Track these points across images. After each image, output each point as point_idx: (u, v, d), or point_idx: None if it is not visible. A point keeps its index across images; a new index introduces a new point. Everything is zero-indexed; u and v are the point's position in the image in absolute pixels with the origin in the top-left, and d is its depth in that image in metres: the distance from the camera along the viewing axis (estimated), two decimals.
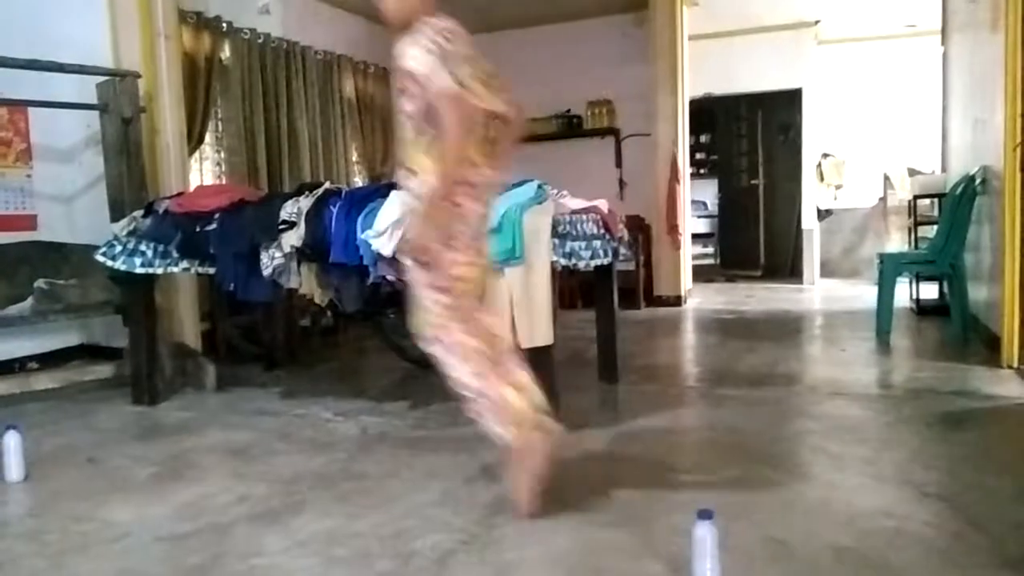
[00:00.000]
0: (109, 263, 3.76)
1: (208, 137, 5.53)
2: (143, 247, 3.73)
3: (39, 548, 2.23)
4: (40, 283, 4.15)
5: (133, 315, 4.00)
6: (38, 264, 4.26)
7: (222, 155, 5.69)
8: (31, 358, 4.34)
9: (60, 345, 4.47)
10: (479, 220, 2.35)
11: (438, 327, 2.30)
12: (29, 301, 4.14)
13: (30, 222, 4.42)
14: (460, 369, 2.30)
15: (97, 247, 3.84)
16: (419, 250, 2.26)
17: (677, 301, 7.16)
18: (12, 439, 2.78)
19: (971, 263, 4.95)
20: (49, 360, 4.37)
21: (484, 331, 2.32)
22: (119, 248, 3.75)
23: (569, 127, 7.78)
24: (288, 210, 3.50)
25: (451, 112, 2.15)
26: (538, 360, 3.13)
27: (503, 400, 2.27)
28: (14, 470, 2.78)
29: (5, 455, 2.78)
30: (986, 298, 4.67)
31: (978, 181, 4.69)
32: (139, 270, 3.72)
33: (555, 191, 3.44)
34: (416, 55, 2.21)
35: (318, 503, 2.50)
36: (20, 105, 4.29)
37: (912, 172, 7.67)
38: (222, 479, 2.79)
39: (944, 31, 6.52)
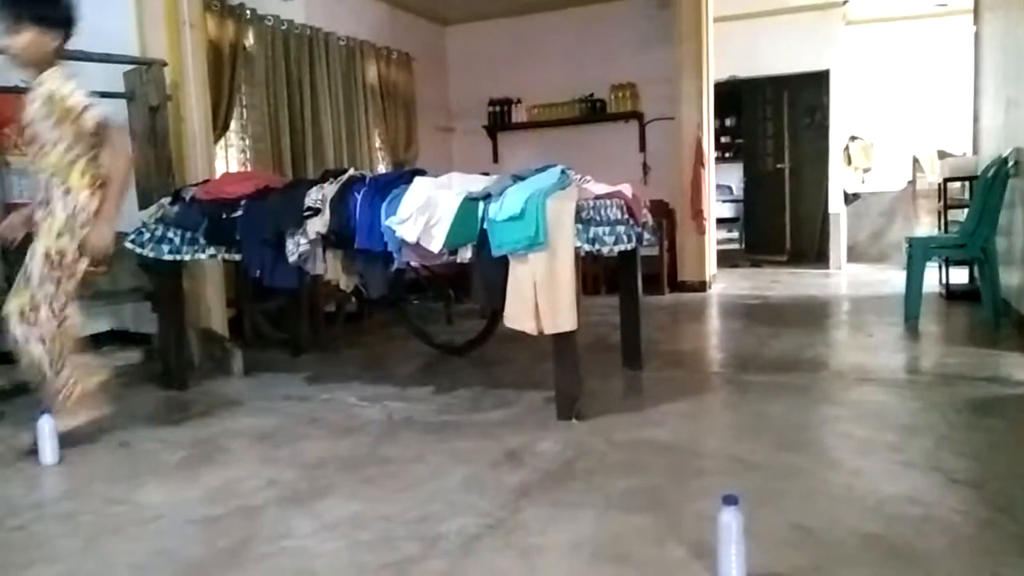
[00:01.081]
0: (138, 250, 3.80)
1: (233, 124, 5.57)
2: (171, 234, 3.77)
3: (74, 529, 2.28)
4: None
5: (161, 301, 4.06)
6: None
7: (247, 142, 5.73)
8: None
9: (90, 331, 4.51)
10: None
11: (33, 310, 2.85)
12: None
13: None
14: (40, 346, 2.87)
15: (126, 234, 3.88)
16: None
17: (702, 286, 7.12)
18: (46, 423, 2.84)
19: (1003, 247, 4.87)
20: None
21: (71, 320, 2.96)
22: (147, 235, 3.79)
23: (592, 111, 7.73)
24: (313, 196, 3.52)
25: (120, 137, 2.87)
26: (562, 346, 3.15)
27: (75, 371, 2.94)
28: (48, 454, 2.84)
29: (40, 439, 2.83)
30: (1018, 283, 4.60)
31: (1011, 163, 4.60)
32: (167, 257, 3.77)
33: (578, 176, 3.42)
34: (66, 90, 2.80)
35: (344, 487, 2.53)
36: None
37: (942, 154, 7.53)
38: (250, 463, 2.83)
39: (976, 10, 6.38)
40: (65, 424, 2.89)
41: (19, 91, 4.16)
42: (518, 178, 3.30)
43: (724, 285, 7.50)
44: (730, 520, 1.75)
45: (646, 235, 3.60)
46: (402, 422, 3.27)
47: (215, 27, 5.27)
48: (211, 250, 3.78)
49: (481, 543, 2.06)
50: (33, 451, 2.84)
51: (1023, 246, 4.40)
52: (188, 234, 3.76)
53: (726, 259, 8.86)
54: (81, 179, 2.90)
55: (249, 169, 5.63)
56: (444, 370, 4.27)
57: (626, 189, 3.45)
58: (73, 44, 3.98)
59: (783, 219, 9.44)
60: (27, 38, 2.81)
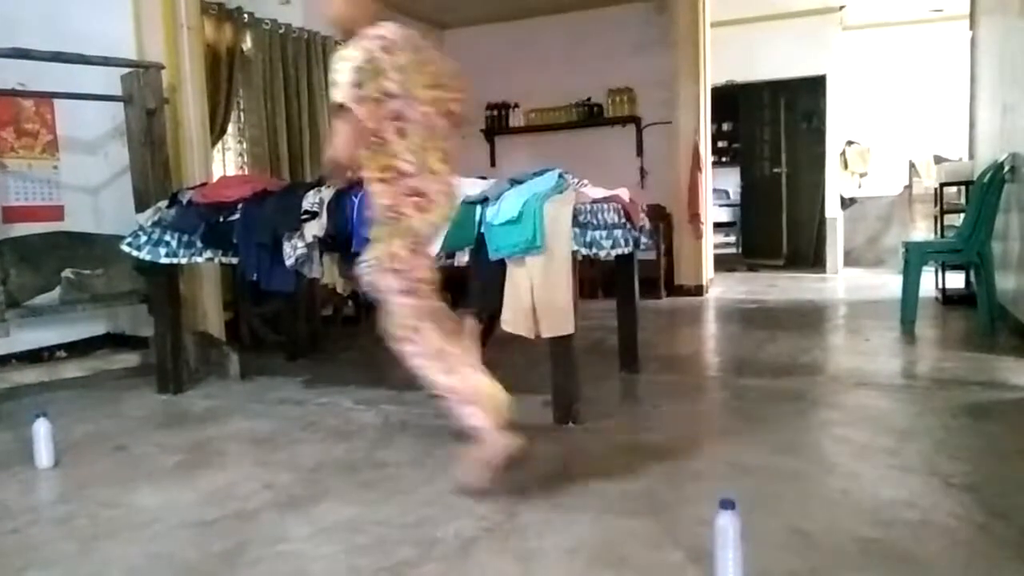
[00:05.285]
0: (134, 253, 3.80)
1: (230, 128, 5.57)
2: (167, 237, 3.76)
3: (70, 532, 2.27)
4: (67, 273, 4.21)
5: (158, 304, 4.05)
6: (65, 254, 4.31)
7: (244, 146, 5.72)
8: (59, 347, 4.41)
9: (87, 334, 4.53)
10: (429, 229, 2.45)
11: (408, 328, 2.40)
12: (57, 291, 4.20)
13: (57, 213, 4.48)
14: (432, 367, 2.41)
15: (123, 237, 3.88)
16: (388, 257, 2.38)
17: (698, 291, 7.13)
18: (42, 426, 2.83)
19: (999, 252, 4.88)
20: (76, 349, 4.44)
21: (448, 329, 2.44)
22: (144, 238, 3.79)
23: (590, 115, 7.74)
24: (310, 200, 3.52)
25: (342, 127, 2.28)
26: (559, 350, 3.15)
27: (476, 390, 2.37)
28: (44, 457, 2.83)
29: (35, 442, 2.83)
30: (1014, 287, 4.61)
31: (1007, 168, 4.61)
32: (164, 260, 3.76)
33: (576, 180, 3.42)
34: (339, 70, 2.30)
35: (341, 491, 2.52)
36: (46, 97, 4.35)
37: (938, 159, 7.56)
38: (246, 467, 2.83)
39: (972, 15, 6.40)
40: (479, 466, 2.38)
41: (13, 93, 4.19)
42: (516, 182, 3.30)
43: (721, 289, 7.51)
44: (727, 524, 1.75)
45: (643, 239, 3.60)
46: (398, 426, 3.26)
47: (212, 30, 5.26)
48: (208, 253, 3.77)
49: (478, 547, 2.06)
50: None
51: (1019, 251, 4.41)
52: (185, 237, 3.76)
53: (723, 263, 8.87)
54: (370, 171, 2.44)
55: (246, 172, 5.62)
56: None
57: (623, 193, 3.46)
58: (70, 47, 4.01)
59: (780, 223, 9.46)
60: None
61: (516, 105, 8.02)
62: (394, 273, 2.38)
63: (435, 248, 2.50)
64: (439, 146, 2.45)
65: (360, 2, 2.41)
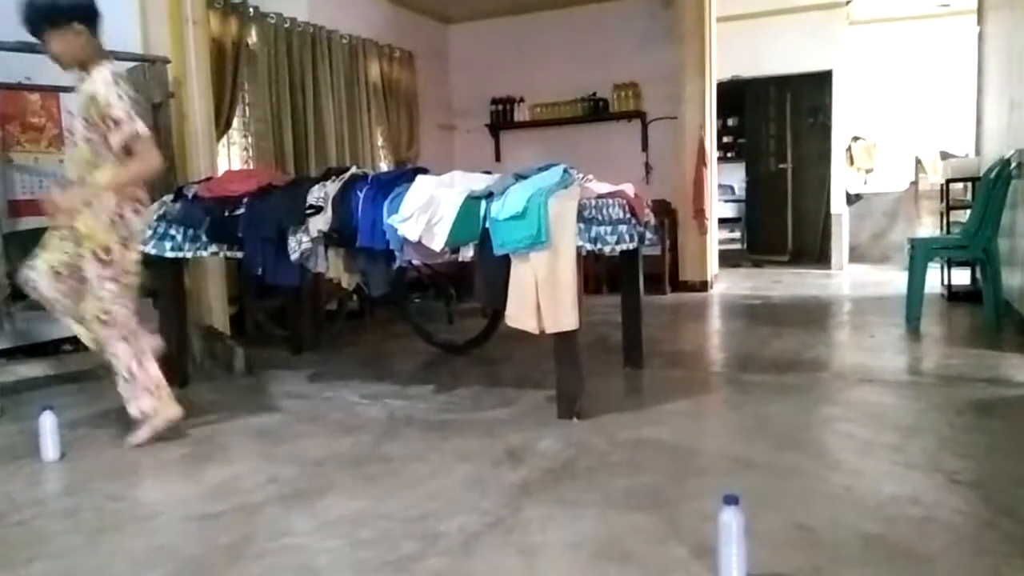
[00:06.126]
0: (139, 247, 3.80)
1: (236, 122, 5.57)
2: (173, 231, 3.77)
3: (75, 525, 2.28)
4: None
5: (163, 298, 4.05)
6: None
7: (250, 140, 5.73)
8: (65, 340, 4.41)
9: None
10: (141, 228, 3.07)
11: (109, 312, 2.90)
12: None
13: None
14: (126, 351, 2.95)
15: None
16: (104, 249, 2.87)
17: (703, 286, 7.12)
18: (48, 419, 2.84)
19: (1005, 248, 4.86)
20: (82, 342, 4.44)
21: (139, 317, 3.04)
22: (149, 232, 3.78)
23: (595, 110, 7.73)
24: (315, 195, 3.52)
25: (150, 151, 2.85)
26: (563, 345, 3.15)
27: (157, 382, 3.00)
28: (50, 450, 2.84)
29: (41, 435, 2.84)
30: (1020, 284, 4.59)
31: (1013, 164, 4.59)
32: (169, 254, 3.77)
33: (581, 175, 3.42)
34: (111, 98, 2.78)
35: (345, 485, 2.53)
36: (52, 91, 4.35)
37: (945, 155, 7.52)
38: (251, 460, 2.83)
39: (980, 10, 6.38)
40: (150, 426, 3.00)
41: (22, 88, 4.19)
42: (520, 177, 3.30)
43: (726, 285, 7.50)
44: (731, 519, 1.75)
45: (648, 235, 3.60)
46: (403, 420, 3.27)
47: (218, 24, 5.27)
48: (213, 247, 3.78)
49: (481, 541, 2.06)
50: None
51: None
52: (190, 231, 3.76)
53: (728, 259, 8.86)
54: (102, 179, 2.88)
55: (251, 167, 5.64)
56: (445, 368, 4.27)
57: (628, 188, 3.45)
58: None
59: (785, 219, 9.44)
60: (57, 40, 2.84)
61: (521, 100, 8.01)
62: (105, 264, 2.87)
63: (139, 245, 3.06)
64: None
65: (89, 45, 2.88)
